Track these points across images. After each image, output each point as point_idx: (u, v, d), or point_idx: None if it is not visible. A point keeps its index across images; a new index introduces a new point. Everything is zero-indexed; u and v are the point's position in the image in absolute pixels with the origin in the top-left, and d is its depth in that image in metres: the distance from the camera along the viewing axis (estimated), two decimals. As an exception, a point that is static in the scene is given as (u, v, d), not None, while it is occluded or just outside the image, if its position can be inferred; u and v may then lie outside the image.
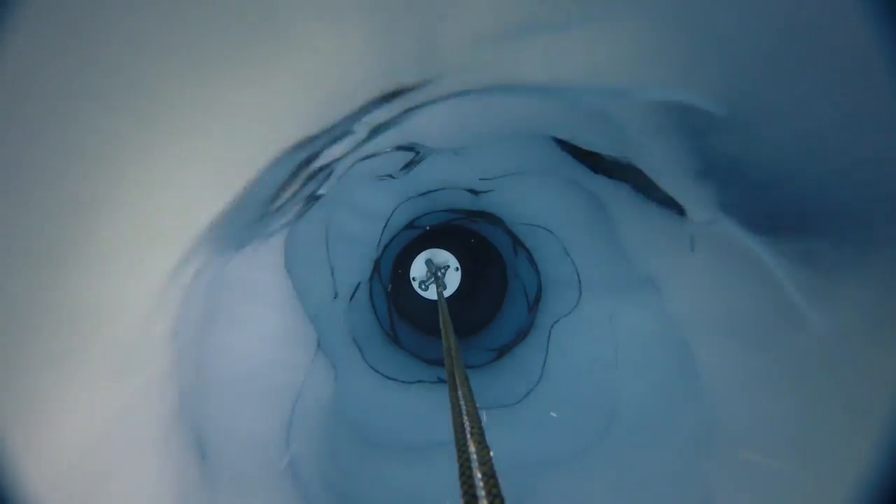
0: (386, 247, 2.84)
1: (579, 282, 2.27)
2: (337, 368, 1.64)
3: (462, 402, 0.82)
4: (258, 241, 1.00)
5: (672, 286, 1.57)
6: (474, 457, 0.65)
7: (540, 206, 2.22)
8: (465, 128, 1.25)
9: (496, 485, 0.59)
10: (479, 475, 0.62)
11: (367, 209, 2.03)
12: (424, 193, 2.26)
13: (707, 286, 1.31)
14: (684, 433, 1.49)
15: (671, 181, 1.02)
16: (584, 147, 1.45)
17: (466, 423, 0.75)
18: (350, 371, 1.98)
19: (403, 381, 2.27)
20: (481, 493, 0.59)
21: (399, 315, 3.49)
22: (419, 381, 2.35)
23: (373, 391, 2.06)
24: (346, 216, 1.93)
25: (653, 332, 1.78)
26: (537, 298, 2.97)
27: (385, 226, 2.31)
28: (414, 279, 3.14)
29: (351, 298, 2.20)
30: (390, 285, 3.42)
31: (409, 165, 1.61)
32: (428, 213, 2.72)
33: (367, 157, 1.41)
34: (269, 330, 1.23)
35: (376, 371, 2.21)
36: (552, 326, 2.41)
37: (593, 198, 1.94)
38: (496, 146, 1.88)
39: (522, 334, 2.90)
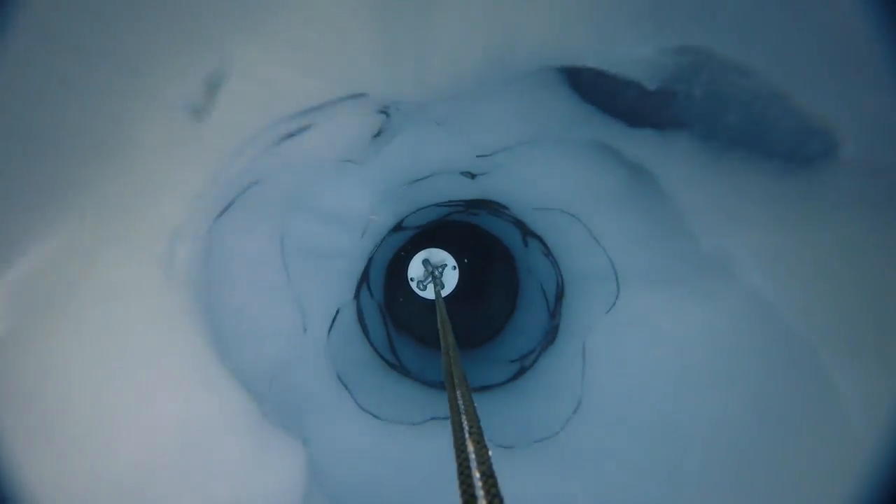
0: (372, 256, 2.37)
1: (615, 274, 1.79)
2: (309, 441, 1.17)
3: (461, 402, 0.80)
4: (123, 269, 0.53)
5: (768, 268, 1.10)
6: (473, 456, 0.64)
7: (556, 183, 1.75)
8: (450, 59, 0.78)
9: (495, 484, 0.58)
10: (477, 475, 0.61)
11: (335, 211, 1.55)
12: (408, 183, 1.79)
13: (850, 267, 0.83)
14: (817, 482, 1.02)
15: (818, 97, 0.55)
16: (624, 74, 0.98)
17: (465, 423, 0.74)
18: (336, 425, 1.51)
19: (410, 424, 1.79)
20: (480, 493, 0.58)
21: (398, 331, 3.04)
22: (430, 419, 1.88)
23: (369, 445, 1.59)
24: (306, 223, 1.45)
25: (735, 330, 1.30)
26: (559, 298, 2.51)
27: (364, 231, 1.83)
28: (412, 279, 2.94)
29: (331, 328, 1.73)
30: (384, 299, 2.98)
31: (377, 137, 1.15)
32: (417, 210, 2.25)
33: (322, 122, 0.94)
34: (157, 428, 0.76)
35: (373, 416, 1.73)
36: (586, 331, 1.93)
37: (629, 162, 1.46)
38: (493, 108, 1.41)
39: (546, 342, 2.44)
